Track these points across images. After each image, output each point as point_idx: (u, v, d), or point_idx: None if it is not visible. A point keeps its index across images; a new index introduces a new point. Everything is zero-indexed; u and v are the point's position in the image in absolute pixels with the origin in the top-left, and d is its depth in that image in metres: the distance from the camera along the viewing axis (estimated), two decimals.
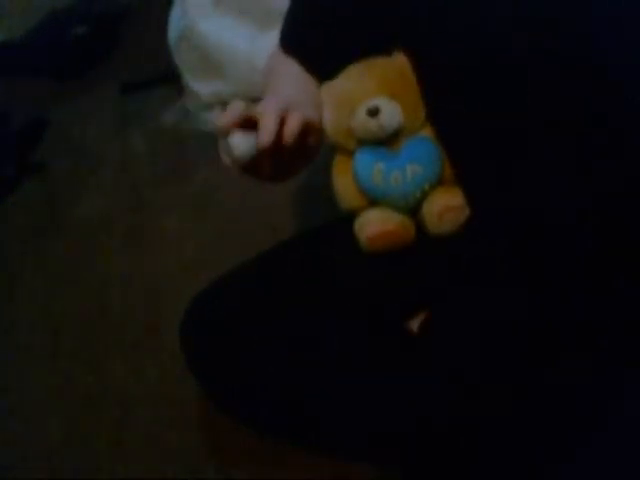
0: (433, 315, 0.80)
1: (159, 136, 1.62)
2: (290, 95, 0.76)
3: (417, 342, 0.80)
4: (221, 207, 1.32)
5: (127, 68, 1.88)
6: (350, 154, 0.79)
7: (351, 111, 0.76)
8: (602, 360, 0.66)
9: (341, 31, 0.81)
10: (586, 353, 0.67)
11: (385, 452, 0.78)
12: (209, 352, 0.84)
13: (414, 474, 0.77)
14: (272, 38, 0.88)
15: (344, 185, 0.80)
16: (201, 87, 1.56)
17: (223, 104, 1.50)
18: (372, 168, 0.77)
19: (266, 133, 0.65)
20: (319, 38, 0.82)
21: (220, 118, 0.66)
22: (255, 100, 0.73)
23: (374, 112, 0.75)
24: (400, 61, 0.78)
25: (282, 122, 0.66)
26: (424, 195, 0.78)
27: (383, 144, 0.77)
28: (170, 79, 1.68)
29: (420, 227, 0.80)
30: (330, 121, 0.78)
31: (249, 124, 0.66)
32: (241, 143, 0.65)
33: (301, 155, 0.71)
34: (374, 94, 0.76)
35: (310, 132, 0.71)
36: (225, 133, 0.66)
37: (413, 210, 0.79)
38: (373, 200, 0.79)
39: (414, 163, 0.76)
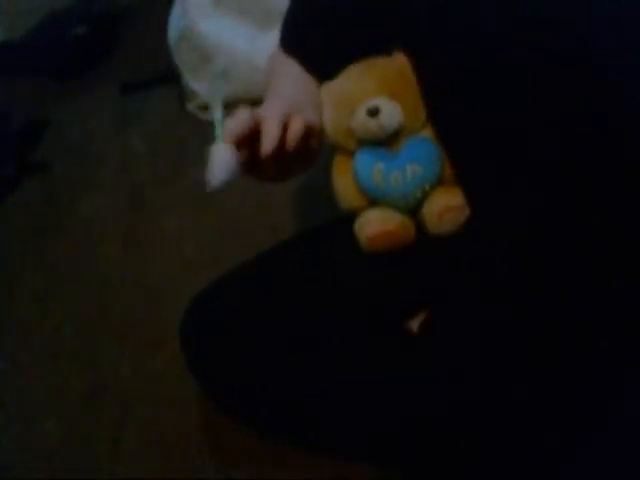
0: (433, 315, 0.80)
1: (159, 136, 1.63)
2: (291, 97, 0.76)
3: (417, 342, 0.80)
4: (221, 207, 1.32)
5: (127, 68, 1.89)
6: (350, 154, 0.79)
7: (351, 111, 0.76)
8: (602, 360, 0.66)
9: (341, 31, 0.81)
10: (586, 353, 0.67)
11: (385, 452, 0.78)
12: (209, 352, 0.84)
13: (414, 474, 0.77)
14: (272, 38, 0.88)
15: (344, 185, 0.80)
16: (201, 87, 1.56)
17: (224, 105, 1.50)
18: (372, 168, 0.77)
19: (269, 139, 0.65)
20: (319, 38, 0.82)
21: (227, 127, 0.65)
22: (255, 102, 0.73)
23: (374, 112, 0.75)
24: (400, 61, 0.78)
25: (284, 127, 0.66)
26: (424, 195, 0.78)
27: (383, 144, 0.77)
28: (170, 79, 1.68)
29: (420, 227, 0.80)
30: (330, 121, 0.78)
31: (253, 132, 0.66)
32: (220, 173, 0.64)
33: (302, 158, 0.71)
34: (374, 94, 0.76)
35: (311, 135, 0.71)
36: (229, 142, 0.65)
37: (413, 210, 0.79)
38: (373, 200, 0.79)
39: (414, 163, 0.76)
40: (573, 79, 0.65)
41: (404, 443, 0.75)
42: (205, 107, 1.58)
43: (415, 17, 0.74)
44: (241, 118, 0.65)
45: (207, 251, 1.25)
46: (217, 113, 0.69)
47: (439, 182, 0.78)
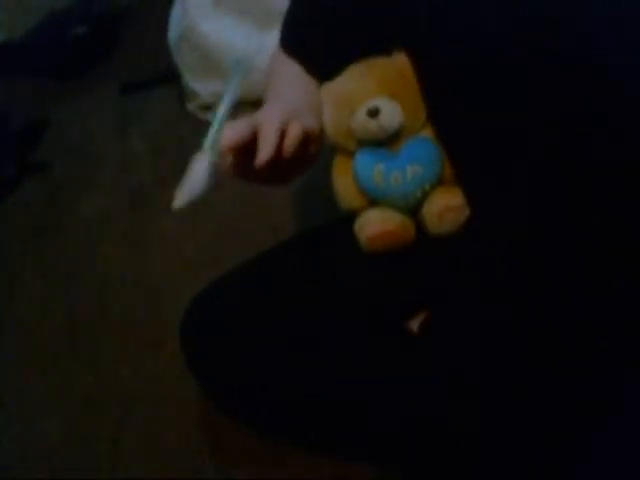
0: (433, 315, 0.80)
1: (159, 136, 1.62)
2: (291, 101, 0.76)
3: (417, 342, 0.80)
4: (221, 207, 1.32)
5: (127, 68, 1.88)
6: (350, 154, 0.79)
7: (351, 111, 0.76)
8: (602, 360, 0.66)
9: (341, 31, 0.81)
10: (586, 353, 0.67)
11: (385, 452, 0.78)
12: (209, 352, 0.84)
13: (414, 474, 0.77)
14: (272, 38, 0.88)
15: (344, 185, 0.80)
16: (201, 87, 1.56)
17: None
18: (372, 168, 0.77)
19: (267, 146, 0.64)
20: (319, 38, 0.82)
21: (224, 137, 0.64)
22: (255, 103, 0.73)
23: (374, 112, 0.75)
24: (400, 61, 0.78)
25: (282, 134, 0.65)
26: (424, 195, 0.78)
27: (383, 144, 0.77)
28: (170, 79, 1.68)
29: (420, 227, 0.80)
30: (330, 121, 0.78)
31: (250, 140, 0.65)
32: (194, 190, 0.63)
33: (300, 163, 0.71)
34: (374, 94, 0.76)
35: (310, 141, 0.70)
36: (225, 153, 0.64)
37: (413, 210, 0.79)
38: (373, 200, 0.79)
39: (414, 163, 0.76)
40: (573, 79, 0.65)
41: (404, 443, 0.75)
42: (205, 107, 1.58)
43: (415, 17, 0.74)
44: (239, 128, 0.64)
45: (207, 251, 1.25)
46: (216, 122, 0.67)
47: (439, 182, 0.78)
